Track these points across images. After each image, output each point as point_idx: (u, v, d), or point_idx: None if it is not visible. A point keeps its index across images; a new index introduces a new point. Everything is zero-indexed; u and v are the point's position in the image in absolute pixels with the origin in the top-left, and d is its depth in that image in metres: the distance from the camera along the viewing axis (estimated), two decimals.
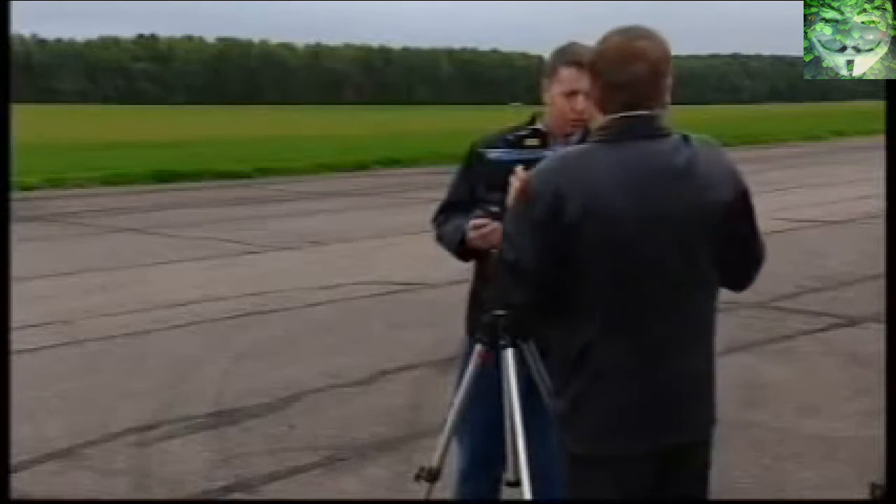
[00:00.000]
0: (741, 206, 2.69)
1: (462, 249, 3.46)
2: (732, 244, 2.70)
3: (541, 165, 2.69)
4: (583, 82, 3.40)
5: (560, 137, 3.48)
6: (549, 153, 3.21)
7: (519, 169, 3.02)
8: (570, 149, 2.78)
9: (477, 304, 3.51)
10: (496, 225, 3.29)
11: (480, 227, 3.32)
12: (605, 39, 2.67)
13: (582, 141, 3.52)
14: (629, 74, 2.61)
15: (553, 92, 3.48)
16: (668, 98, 2.68)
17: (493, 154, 3.19)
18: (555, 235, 2.57)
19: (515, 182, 2.98)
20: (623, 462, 2.66)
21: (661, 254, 2.60)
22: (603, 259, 2.58)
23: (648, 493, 2.67)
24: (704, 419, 2.74)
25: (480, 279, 3.51)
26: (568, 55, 3.47)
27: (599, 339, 2.61)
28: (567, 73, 3.44)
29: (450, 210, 3.61)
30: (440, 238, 3.61)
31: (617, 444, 2.65)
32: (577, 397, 2.66)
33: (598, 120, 2.71)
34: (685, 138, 2.66)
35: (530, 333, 3.32)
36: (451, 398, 3.48)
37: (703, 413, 2.74)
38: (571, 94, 3.43)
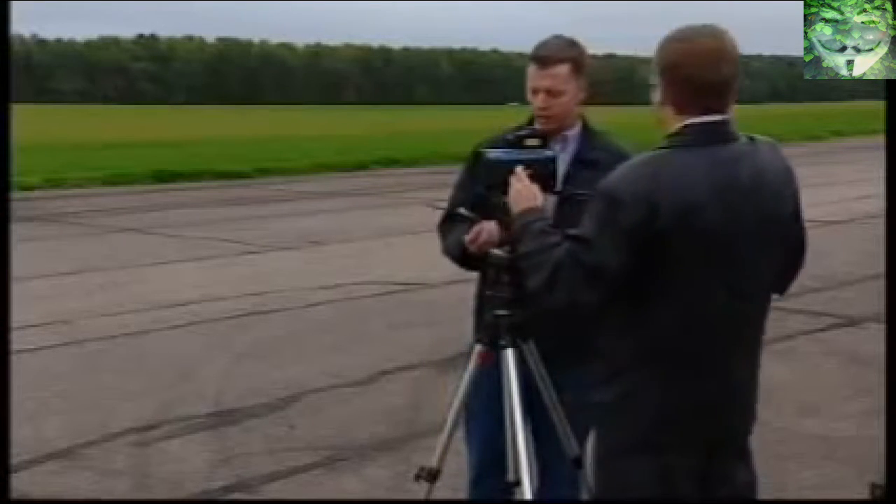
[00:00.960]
0: (797, 209, 2.73)
1: (467, 263, 3.49)
2: (789, 248, 2.74)
3: (627, 172, 2.63)
4: (544, 80, 3.41)
5: (556, 135, 3.47)
6: (549, 153, 3.22)
7: (519, 169, 3.02)
8: (652, 155, 2.67)
9: (484, 306, 3.51)
10: (483, 224, 3.31)
11: (475, 240, 3.33)
12: (687, 39, 2.62)
13: (583, 138, 3.53)
14: (721, 76, 2.60)
15: (527, 88, 3.50)
16: None
17: (493, 154, 3.18)
18: (641, 241, 2.55)
19: (516, 182, 2.98)
20: (678, 449, 2.68)
21: (738, 261, 2.63)
22: (687, 266, 2.59)
23: (694, 478, 2.70)
24: (749, 417, 2.81)
25: (486, 281, 3.50)
26: (533, 51, 3.47)
27: (670, 336, 2.62)
28: (530, 71, 3.46)
29: (454, 217, 3.58)
30: (446, 252, 3.61)
31: (675, 432, 2.67)
32: (637, 388, 2.66)
33: (672, 122, 2.65)
34: (751, 139, 2.68)
35: (534, 334, 3.32)
36: (453, 398, 3.48)
37: (749, 412, 2.81)
38: (535, 91, 3.44)
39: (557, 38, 3.49)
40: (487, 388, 3.33)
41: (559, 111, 3.44)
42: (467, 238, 3.37)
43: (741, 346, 2.73)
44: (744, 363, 2.75)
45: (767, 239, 2.67)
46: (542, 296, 2.66)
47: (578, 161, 3.46)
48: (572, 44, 3.47)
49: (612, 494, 2.76)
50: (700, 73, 2.59)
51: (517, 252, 2.84)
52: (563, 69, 3.40)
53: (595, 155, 3.47)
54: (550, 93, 3.41)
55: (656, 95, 2.69)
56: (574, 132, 3.52)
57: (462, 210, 3.49)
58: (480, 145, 3.53)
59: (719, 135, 2.63)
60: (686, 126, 2.62)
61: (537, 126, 3.49)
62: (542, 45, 3.45)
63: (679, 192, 2.54)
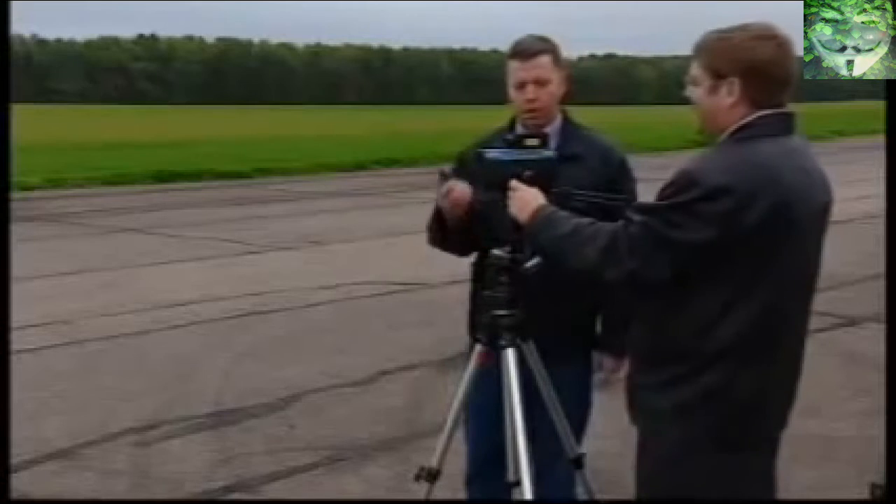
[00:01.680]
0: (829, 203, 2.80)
1: (442, 223, 3.45)
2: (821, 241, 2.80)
3: (716, 161, 2.61)
4: (529, 72, 3.44)
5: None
6: (548, 153, 3.21)
7: (513, 182, 3.00)
8: (736, 145, 2.64)
9: (477, 305, 3.51)
10: (452, 182, 3.33)
11: (447, 194, 3.33)
12: (771, 37, 2.65)
13: (564, 132, 3.53)
14: (793, 72, 2.66)
15: (509, 88, 3.51)
16: None
17: (492, 154, 3.18)
18: (729, 229, 2.54)
19: (515, 190, 2.97)
20: (754, 446, 2.77)
21: (806, 252, 2.70)
22: (774, 258, 2.60)
23: (760, 476, 2.83)
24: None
25: (481, 282, 3.50)
26: (512, 49, 3.51)
27: (751, 331, 2.63)
28: (513, 66, 3.48)
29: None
30: (428, 233, 3.57)
31: (754, 430, 2.74)
32: (721, 385, 2.65)
33: (738, 117, 2.64)
34: None
35: (534, 333, 3.32)
36: (453, 398, 3.48)
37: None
38: (521, 85, 3.46)
39: (531, 36, 3.54)
40: (487, 388, 3.32)
41: (547, 101, 3.48)
42: (440, 192, 3.36)
43: (800, 340, 2.78)
44: (799, 358, 2.79)
45: (820, 231, 2.75)
46: (597, 269, 2.67)
47: (561, 156, 3.46)
48: (547, 39, 3.54)
49: (674, 495, 2.74)
50: (787, 69, 2.65)
51: (553, 239, 2.79)
52: (546, 59, 3.46)
53: (577, 149, 3.49)
54: (538, 82, 3.44)
55: (722, 95, 2.65)
56: (555, 127, 3.53)
57: (445, 168, 3.47)
58: (463, 154, 3.56)
59: (790, 126, 2.68)
60: (760, 117, 2.63)
61: (519, 127, 3.50)
62: (521, 41, 3.51)
63: (775, 188, 2.56)
